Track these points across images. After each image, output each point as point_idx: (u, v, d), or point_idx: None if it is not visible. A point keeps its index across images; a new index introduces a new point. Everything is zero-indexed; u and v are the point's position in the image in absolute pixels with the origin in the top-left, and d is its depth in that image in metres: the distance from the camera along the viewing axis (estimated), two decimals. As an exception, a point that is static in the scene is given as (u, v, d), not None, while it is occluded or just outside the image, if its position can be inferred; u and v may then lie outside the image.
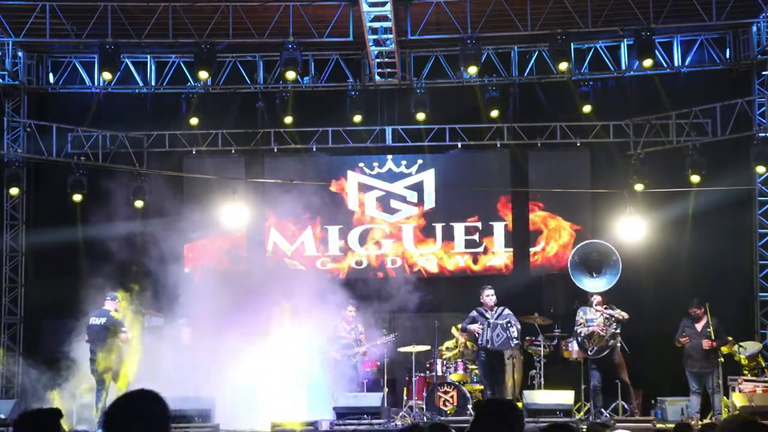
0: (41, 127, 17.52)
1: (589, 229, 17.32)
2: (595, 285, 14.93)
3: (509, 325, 14.53)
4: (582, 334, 14.55)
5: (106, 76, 16.38)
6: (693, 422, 13.81)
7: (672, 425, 13.52)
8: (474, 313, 14.85)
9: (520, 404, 14.04)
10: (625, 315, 14.43)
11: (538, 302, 16.63)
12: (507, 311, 14.75)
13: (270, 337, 15.04)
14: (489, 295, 14.84)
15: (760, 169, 16.09)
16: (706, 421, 13.67)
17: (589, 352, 14.52)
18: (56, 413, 5.01)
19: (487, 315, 14.72)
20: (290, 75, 16.14)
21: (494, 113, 17.16)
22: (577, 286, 15.20)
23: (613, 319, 14.40)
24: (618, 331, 14.46)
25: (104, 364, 14.26)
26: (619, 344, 14.53)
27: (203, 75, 16.29)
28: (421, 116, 17.03)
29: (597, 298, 14.66)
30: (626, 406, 14.51)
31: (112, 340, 14.35)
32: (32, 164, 17.62)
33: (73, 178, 16.84)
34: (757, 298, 16.78)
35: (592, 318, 14.54)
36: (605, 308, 14.52)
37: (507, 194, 17.73)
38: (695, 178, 16.39)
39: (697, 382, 14.65)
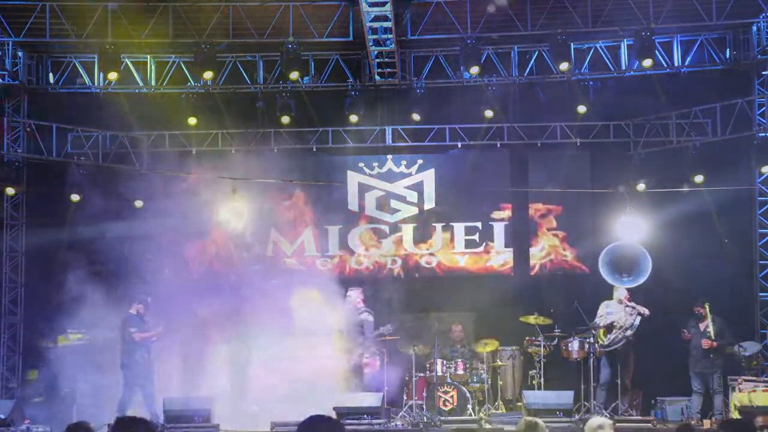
0: (41, 127, 17.50)
1: (589, 228, 17.31)
2: (624, 284, 15.11)
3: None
4: (599, 325, 14.66)
5: (112, 76, 16.36)
6: (694, 422, 13.84)
7: (672, 425, 13.56)
8: None
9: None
10: (647, 311, 14.62)
11: (538, 302, 16.66)
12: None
13: (269, 337, 15.02)
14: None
15: (766, 168, 16.13)
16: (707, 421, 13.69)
17: (605, 342, 14.58)
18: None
19: None
20: (293, 75, 16.15)
21: (493, 113, 17.15)
22: (576, 287, 15.18)
23: (635, 311, 14.49)
24: (637, 323, 14.52)
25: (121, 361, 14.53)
26: (633, 341, 14.59)
27: (207, 75, 16.30)
28: (416, 117, 17.01)
29: (624, 293, 14.81)
30: (620, 405, 14.57)
31: (124, 339, 14.56)
32: (32, 164, 17.61)
33: (73, 178, 16.83)
34: (757, 298, 16.76)
35: (613, 310, 14.69)
36: (627, 299, 14.72)
37: (507, 194, 17.73)
38: (696, 178, 16.39)
39: (699, 382, 14.68)
